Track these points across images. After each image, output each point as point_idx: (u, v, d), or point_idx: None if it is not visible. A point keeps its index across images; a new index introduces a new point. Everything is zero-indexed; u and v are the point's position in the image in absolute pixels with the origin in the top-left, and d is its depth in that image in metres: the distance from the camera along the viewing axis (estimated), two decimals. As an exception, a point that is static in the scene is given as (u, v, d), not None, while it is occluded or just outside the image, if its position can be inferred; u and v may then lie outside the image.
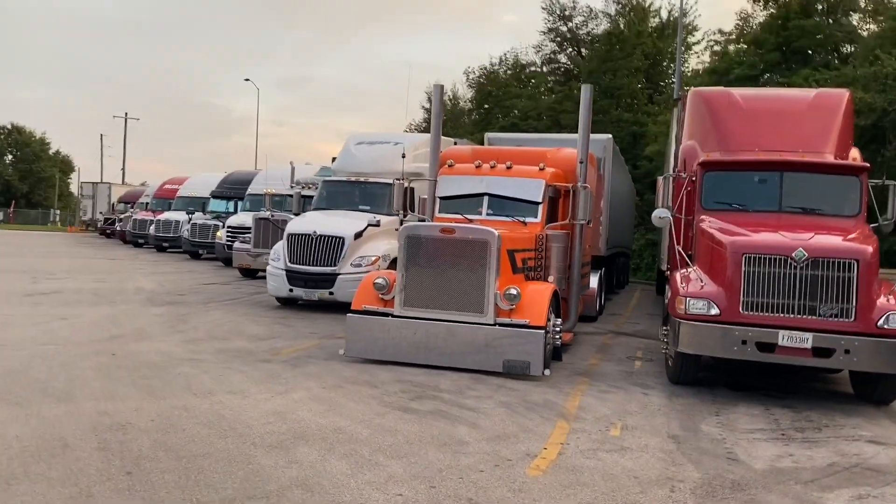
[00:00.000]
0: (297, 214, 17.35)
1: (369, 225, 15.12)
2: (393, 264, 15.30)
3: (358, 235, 14.93)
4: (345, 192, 16.84)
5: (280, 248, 15.30)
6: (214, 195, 31.54)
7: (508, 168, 11.45)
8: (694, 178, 10.46)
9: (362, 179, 16.67)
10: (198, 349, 10.24)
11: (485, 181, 11.33)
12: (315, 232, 14.78)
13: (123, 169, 74.66)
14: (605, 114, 42.51)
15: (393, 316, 9.63)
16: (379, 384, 8.48)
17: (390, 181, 16.16)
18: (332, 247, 14.76)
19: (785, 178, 9.84)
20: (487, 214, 11.13)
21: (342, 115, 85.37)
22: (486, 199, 11.25)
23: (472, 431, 6.71)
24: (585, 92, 12.01)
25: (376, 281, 9.72)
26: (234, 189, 31.07)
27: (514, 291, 9.23)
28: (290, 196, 23.57)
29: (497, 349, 9.21)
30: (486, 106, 51.17)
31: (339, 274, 14.65)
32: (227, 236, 25.41)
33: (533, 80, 50.52)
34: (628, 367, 10.53)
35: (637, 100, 42.87)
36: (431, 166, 12.63)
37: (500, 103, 48.61)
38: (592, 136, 12.10)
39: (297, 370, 9.09)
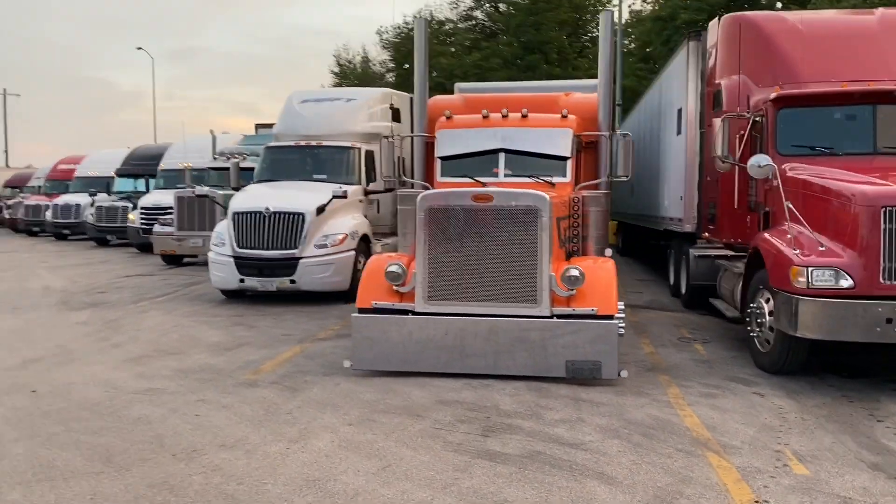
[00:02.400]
0: (235, 189, 14.61)
1: (335, 196, 12.62)
2: (364, 243, 13.01)
3: (320, 210, 12.41)
4: (293, 159, 14.24)
5: (224, 230, 12.63)
6: (120, 173, 28.06)
7: (524, 117, 9.25)
8: (759, 118, 8.55)
9: (314, 143, 14.09)
10: (150, 372, 7.69)
11: (498, 134, 9.10)
12: (268, 209, 12.17)
13: (6, 151, 68.12)
14: (533, 70, 40.79)
15: (414, 313, 7.35)
16: (421, 411, 6.23)
17: (349, 144, 13.80)
18: (290, 225, 12.20)
19: (879, 111, 8.03)
20: (505, 175, 8.93)
21: (238, 86, 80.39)
22: (501, 156, 9.03)
23: (615, 492, 4.57)
24: (605, 21, 9.91)
25: (389, 269, 7.38)
26: (142, 165, 27.65)
27: (575, 273, 7.10)
28: (214, 170, 20.78)
29: (556, 348, 7.09)
30: (406, 66, 48.39)
31: (300, 258, 12.15)
32: (142, 219, 22.27)
33: (453, 37, 48.08)
34: (692, 353, 8.63)
35: (566, 53, 41.19)
36: (418, 119, 10.27)
37: (426, 63, 45.92)
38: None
39: (300, 396, 6.72)
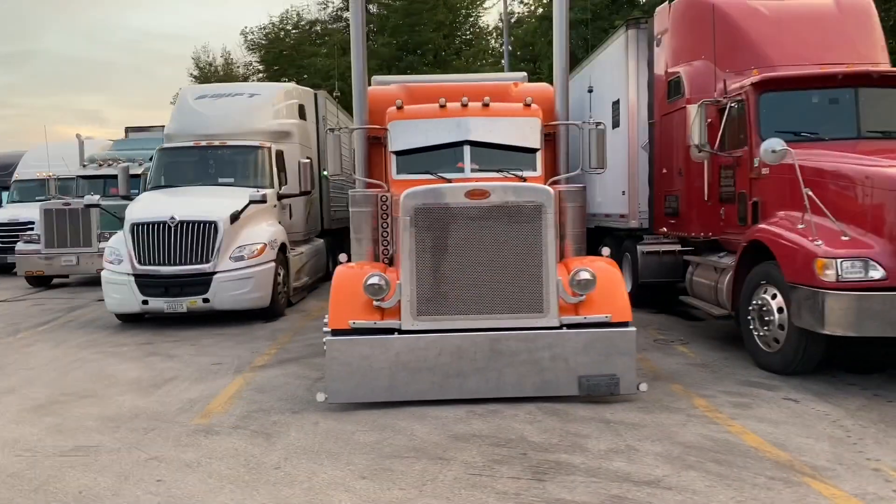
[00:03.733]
0: (125, 198, 12.79)
1: (252, 202, 11.19)
2: (282, 253, 11.67)
3: (234, 218, 10.95)
4: (193, 161, 12.64)
5: (120, 245, 10.89)
6: (-43, 187, 24.73)
7: (486, 106, 8.32)
8: (735, 104, 8.08)
9: (217, 143, 12.54)
10: (68, 424, 6.13)
11: (462, 124, 8.12)
12: (174, 217, 10.57)
13: None
14: (413, 70, 40.07)
15: (401, 332, 6.24)
16: (440, 451, 5.16)
17: (257, 143, 12.42)
18: (200, 236, 10.66)
19: (861, 94, 7.74)
20: (472, 170, 7.96)
21: (80, 93, 74.28)
22: (466, 149, 8.04)
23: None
24: (559, 4, 9.16)
25: (369, 281, 6.22)
26: (-12, 177, 24.56)
27: (587, 275, 6.24)
28: (84, 178, 18.58)
29: (567, 363, 6.21)
30: (276, 67, 46.35)
31: (214, 273, 10.64)
32: (-3, 236, 19.58)
33: (327, 38, 46.50)
34: (680, 356, 8.04)
35: (445, 54, 40.79)
36: (358, 111, 9.11)
37: (293, 63, 44.19)
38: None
39: (279, 444, 5.46)
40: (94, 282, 16.78)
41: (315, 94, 15.76)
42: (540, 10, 33.12)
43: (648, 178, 10.72)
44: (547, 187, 6.29)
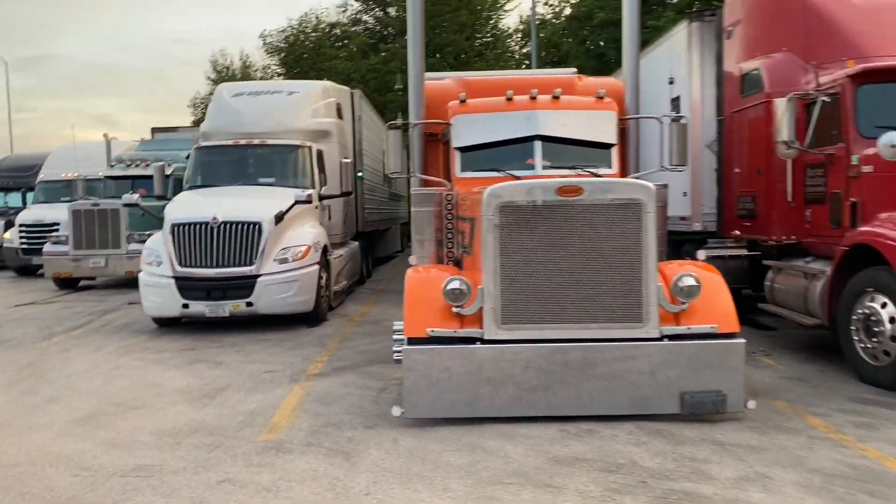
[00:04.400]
0: (162, 197, 12.33)
1: (297, 202, 10.70)
2: (324, 255, 11.17)
3: (279, 218, 10.46)
4: (232, 160, 12.18)
5: (159, 246, 10.42)
6: (-18, 188, 24.42)
7: (556, 99, 7.78)
8: (828, 98, 7.50)
9: (257, 142, 12.06)
10: (122, 439, 5.63)
11: (531, 119, 7.58)
12: (216, 218, 10.09)
13: None
14: (433, 72, 39.58)
15: (483, 341, 5.70)
16: (545, 477, 4.61)
17: (298, 142, 11.94)
18: (244, 238, 10.17)
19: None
20: (544, 168, 7.43)
21: (97, 96, 74.27)
22: (537, 144, 7.52)
23: None
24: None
25: (449, 286, 5.68)
26: (13, 177, 24.28)
27: (691, 281, 5.69)
28: (111, 179, 18.18)
29: (668, 378, 5.65)
30: (297, 70, 46.00)
31: (258, 275, 10.15)
32: (22, 238, 19.21)
33: (347, 41, 46.16)
34: (772, 369, 7.45)
35: (466, 56, 40.31)
36: (415, 106, 8.60)
37: (314, 66, 43.82)
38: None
39: (361, 464, 4.92)
40: (122, 284, 16.42)
41: (351, 93, 15.30)
42: (568, 9, 32.52)
43: (717, 179, 10.13)
44: (648, 183, 5.73)
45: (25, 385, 7.54)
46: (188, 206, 10.59)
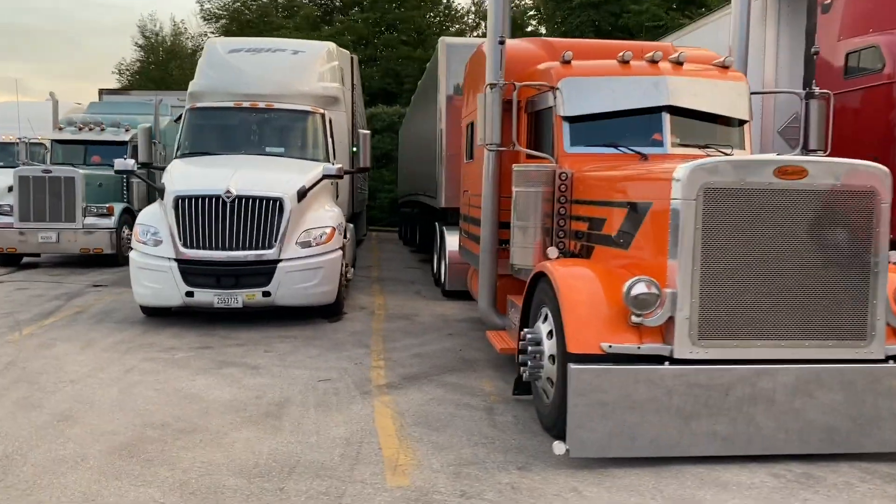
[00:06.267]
0: (145, 165, 10.55)
1: (326, 176, 9.21)
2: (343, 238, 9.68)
3: (302, 195, 8.94)
4: (233, 125, 10.54)
5: (157, 222, 8.75)
6: None
7: (679, 65, 6.58)
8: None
9: (263, 105, 10.45)
10: (198, 483, 4.17)
11: (660, 86, 6.35)
12: (230, 192, 8.49)
13: None
14: (392, 48, 38.01)
15: (673, 361, 4.48)
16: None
17: (309, 108, 10.44)
18: (263, 216, 8.61)
19: None
20: (673, 145, 6.24)
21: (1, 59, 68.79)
22: (666, 117, 6.30)
23: None
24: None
25: (634, 290, 4.42)
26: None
27: (928, 290, 4.63)
28: (59, 143, 16.15)
29: (888, 407, 4.58)
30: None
31: (278, 261, 8.63)
32: (-49, 207, 16.83)
33: (295, 9, 43.82)
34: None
35: (427, 33, 38.76)
36: (494, 67, 7.23)
37: (260, 35, 41.40)
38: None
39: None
40: (73, 263, 14.49)
41: (352, 58, 13.78)
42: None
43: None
44: (883, 167, 4.60)
45: (18, 395, 5.89)
46: (194, 177, 8.95)
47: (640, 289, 4.41)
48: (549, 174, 6.13)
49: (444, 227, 11.33)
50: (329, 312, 9.36)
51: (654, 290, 4.41)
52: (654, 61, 6.53)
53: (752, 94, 6.80)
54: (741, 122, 6.54)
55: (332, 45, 12.50)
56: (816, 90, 6.78)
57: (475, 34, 41.02)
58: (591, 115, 6.38)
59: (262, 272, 8.59)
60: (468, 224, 8.60)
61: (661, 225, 4.65)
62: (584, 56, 6.88)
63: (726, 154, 6.17)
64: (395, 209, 27.28)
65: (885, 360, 4.59)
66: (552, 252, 5.47)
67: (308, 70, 11.26)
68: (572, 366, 4.41)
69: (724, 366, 4.46)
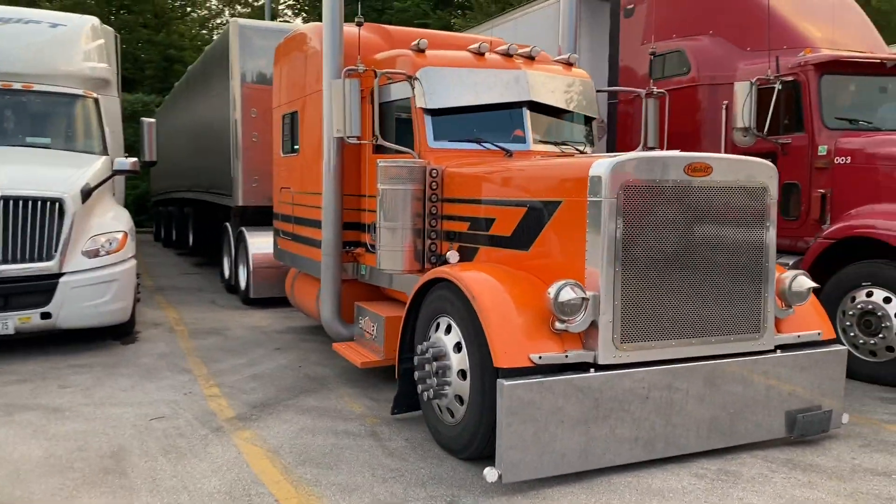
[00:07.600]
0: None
1: (116, 172, 7.81)
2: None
3: (86, 195, 7.52)
4: (-20, 111, 8.61)
5: None
6: None
7: (532, 59, 6.44)
8: (786, 85, 7.25)
9: (18, 86, 8.69)
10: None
11: (521, 80, 6.14)
12: (-5, 191, 6.89)
13: None
14: (131, 31, 34.52)
15: (598, 367, 4.25)
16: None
17: (79, 91, 9.01)
18: (38, 221, 7.10)
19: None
20: (535, 140, 6.08)
21: None
22: (526, 112, 6.12)
23: None
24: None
25: (563, 297, 4.10)
26: None
27: (808, 282, 4.86)
28: None
29: (778, 396, 4.78)
30: None
31: (61, 274, 7.18)
32: None
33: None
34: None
35: (168, 17, 35.87)
36: (332, 56, 6.61)
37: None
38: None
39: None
40: None
41: (116, 36, 12.02)
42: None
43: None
44: (768, 163, 4.74)
45: None
46: (-60, 173, 7.12)
47: (567, 294, 4.10)
48: (420, 171, 5.64)
49: (245, 229, 10.29)
50: (120, 333, 8.02)
51: (580, 294, 4.14)
52: (508, 55, 6.31)
53: (601, 90, 6.88)
54: (588, 120, 6.55)
55: (95, 20, 10.75)
56: (654, 90, 7.01)
57: (218, 21, 38.80)
58: (453, 109, 5.98)
59: (40, 289, 7.09)
60: (291, 224, 7.80)
61: (573, 224, 4.40)
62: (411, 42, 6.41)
63: (582, 152, 6.18)
64: (142, 208, 24.76)
65: (774, 351, 4.76)
66: (452, 256, 4.99)
67: (72, 47, 9.57)
68: (504, 381, 3.99)
69: (645, 368, 4.32)
